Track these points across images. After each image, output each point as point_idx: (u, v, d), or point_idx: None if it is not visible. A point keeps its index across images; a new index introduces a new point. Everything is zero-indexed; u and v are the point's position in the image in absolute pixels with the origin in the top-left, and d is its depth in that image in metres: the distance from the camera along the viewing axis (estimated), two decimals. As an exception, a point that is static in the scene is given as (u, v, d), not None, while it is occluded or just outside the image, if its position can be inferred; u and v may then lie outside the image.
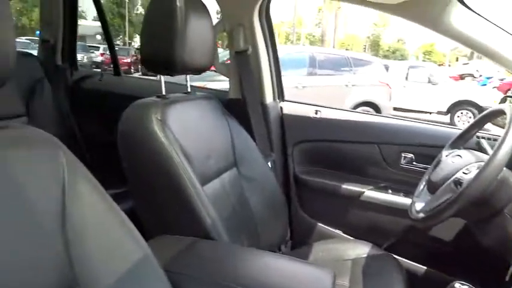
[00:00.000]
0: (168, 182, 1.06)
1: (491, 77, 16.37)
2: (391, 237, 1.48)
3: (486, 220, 0.99)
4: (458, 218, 1.28)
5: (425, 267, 1.46)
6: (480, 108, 8.21)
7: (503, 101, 1.46)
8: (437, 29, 1.12)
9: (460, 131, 1.20)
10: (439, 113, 8.84)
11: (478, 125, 1.14)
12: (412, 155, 1.49)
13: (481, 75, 18.51)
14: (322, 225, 1.63)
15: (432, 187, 1.08)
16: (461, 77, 18.14)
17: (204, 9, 1.17)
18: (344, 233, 1.59)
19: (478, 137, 1.24)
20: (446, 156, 1.13)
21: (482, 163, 0.92)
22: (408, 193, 1.46)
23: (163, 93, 1.19)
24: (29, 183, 0.59)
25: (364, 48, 36.11)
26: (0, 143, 0.59)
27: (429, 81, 9.18)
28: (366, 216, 1.53)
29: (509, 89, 12.71)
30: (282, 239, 1.50)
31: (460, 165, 1.02)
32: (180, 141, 1.09)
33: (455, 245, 1.37)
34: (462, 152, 1.08)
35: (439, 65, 24.73)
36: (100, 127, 1.96)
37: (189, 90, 1.33)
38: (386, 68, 8.83)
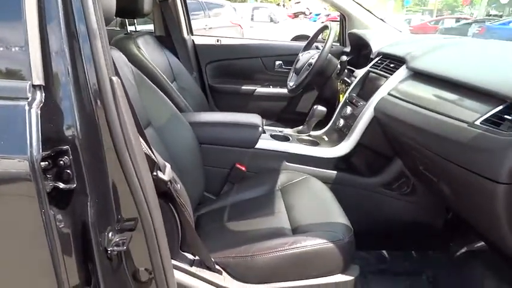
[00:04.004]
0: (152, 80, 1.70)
1: (319, 14, 19.04)
2: (274, 112, 2.40)
3: (323, 83, 1.94)
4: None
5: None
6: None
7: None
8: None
9: (306, 42, 2.12)
10: (282, 47, 10.27)
11: (315, 37, 2.08)
12: (281, 62, 2.40)
13: (311, 13, 21.24)
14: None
15: (297, 71, 1.99)
16: (296, 15, 20.47)
17: None
18: None
19: (316, 46, 2.19)
20: (302, 55, 2.04)
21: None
22: (282, 86, 2.38)
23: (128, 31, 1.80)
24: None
25: (206, -9, 36.26)
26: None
27: (271, 21, 10.50)
28: (258, 104, 2.41)
29: (333, 23, 15.10)
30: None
31: (310, 56, 1.94)
32: (150, 59, 1.74)
33: None
34: (309, 51, 2.01)
35: (277, 4, 27.03)
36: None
37: (128, 31, 1.90)
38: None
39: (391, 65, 1.55)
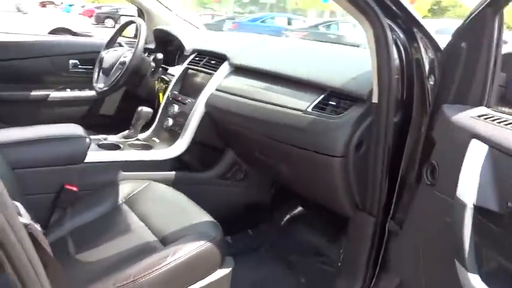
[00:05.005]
0: None
1: (73, 5, 17.45)
2: (77, 119, 2.10)
3: (138, 82, 1.84)
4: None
5: None
6: (74, 33, 9.00)
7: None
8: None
9: (108, 39, 1.95)
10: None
11: (119, 32, 1.94)
12: (77, 61, 2.11)
13: (62, 3, 19.21)
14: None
15: (106, 72, 1.82)
16: (43, 5, 18.11)
17: None
18: None
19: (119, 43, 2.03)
20: (106, 53, 1.87)
21: (131, 51, 1.74)
22: (82, 88, 2.11)
23: None
24: None
25: None
26: None
27: (19, 10, 8.96)
28: (54, 111, 2.06)
29: (91, 15, 14.36)
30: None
31: (119, 55, 1.80)
32: None
33: None
34: (116, 48, 1.86)
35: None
36: None
37: None
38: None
39: (212, 62, 1.61)
